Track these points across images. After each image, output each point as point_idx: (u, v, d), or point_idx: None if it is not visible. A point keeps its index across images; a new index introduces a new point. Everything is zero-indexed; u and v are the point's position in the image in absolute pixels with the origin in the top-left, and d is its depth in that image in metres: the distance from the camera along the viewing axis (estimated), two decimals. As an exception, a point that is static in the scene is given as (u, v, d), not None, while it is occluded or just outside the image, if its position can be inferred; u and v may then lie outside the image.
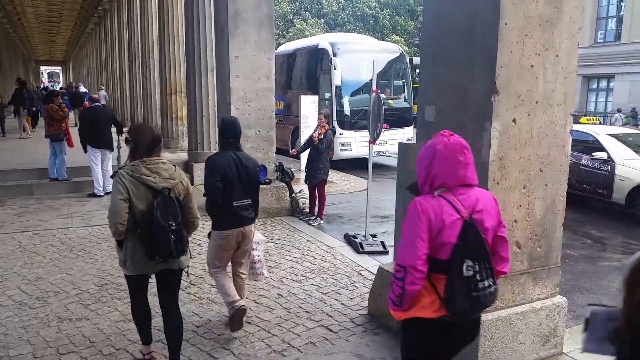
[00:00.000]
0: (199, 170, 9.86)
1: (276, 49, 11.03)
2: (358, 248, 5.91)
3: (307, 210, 7.59)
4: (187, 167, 10.13)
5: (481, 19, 3.05)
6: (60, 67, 67.71)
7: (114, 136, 8.91)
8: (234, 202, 3.65)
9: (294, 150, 7.93)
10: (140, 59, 15.09)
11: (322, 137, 7.19)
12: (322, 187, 7.40)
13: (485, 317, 3.06)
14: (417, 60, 17.31)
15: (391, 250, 5.37)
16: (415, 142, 3.82)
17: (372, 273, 4.83)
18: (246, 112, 7.57)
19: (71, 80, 42.40)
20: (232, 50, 7.34)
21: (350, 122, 12.50)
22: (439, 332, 2.15)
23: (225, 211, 3.64)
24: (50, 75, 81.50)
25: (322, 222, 7.32)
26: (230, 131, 3.80)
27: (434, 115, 3.43)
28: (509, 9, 2.94)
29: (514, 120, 3.08)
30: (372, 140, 6.30)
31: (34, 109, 15.89)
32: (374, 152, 7.24)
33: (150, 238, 2.94)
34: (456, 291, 2.04)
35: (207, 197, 3.64)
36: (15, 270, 5.12)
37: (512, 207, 3.15)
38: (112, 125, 8.92)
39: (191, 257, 3.30)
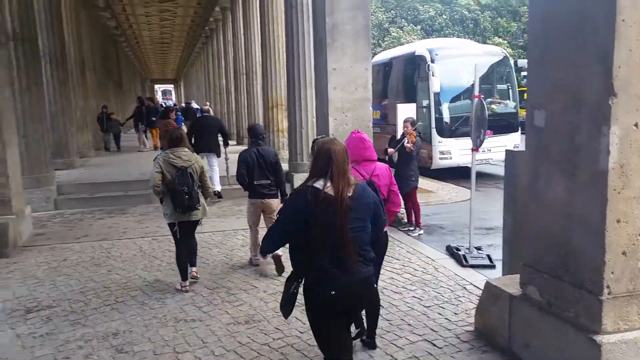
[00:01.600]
0: (299, 180, 10.17)
1: (372, 59, 11.05)
2: (462, 261, 5.70)
3: (405, 220, 7.49)
4: (287, 177, 10.47)
5: (593, 15, 2.84)
6: (172, 85, 73.42)
7: (222, 148, 9.66)
8: (255, 182, 5.34)
9: (392, 150, 7.54)
10: (244, 76, 15.90)
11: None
12: (414, 194, 7.30)
13: (607, 339, 2.82)
14: (522, 62, 16.47)
15: (498, 265, 5.12)
16: (523, 148, 3.62)
17: (478, 288, 4.65)
18: (343, 123, 7.67)
19: (186, 99, 45.75)
20: (330, 63, 7.49)
21: (450, 130, 12.16)
22: None
23: (251, 187, 5.41)
24: (164, 92, 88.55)
25: (421, 232, 7.19)
26: (252, 134, 5.66)
27: (544, 120, 3.24)
28: (627, 3, 2.71)
29: (636, 125, 2.82)
30: (475, 148, 6.08)
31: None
32: (477, 160, 6.98)
33: (173, 197, 4.73)
34: None
35: (237, 179, 5.45)
36: (137, 272, 5.62)
37: (637, 219, 2.88)
38: (220, 135, 9.73)
39: (205, 214, 5.10)
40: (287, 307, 2.80)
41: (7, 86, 7.04)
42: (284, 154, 11.98)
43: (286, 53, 10.41)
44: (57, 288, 5.14)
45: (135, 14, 23.55)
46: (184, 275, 5.02)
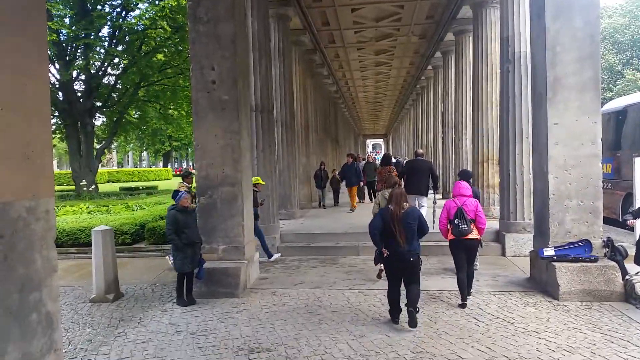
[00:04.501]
0: (512, 241, 9.47)
1: (601, 106, 9.76)
2: None
3: (646, 294, 6.27)
4: (499, 237, 9.84)
5: None
6: (382, 140, 77.09)
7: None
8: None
9: (632, 221, 6.55)
10: (453, 130, 15.81)
11: None
12: None
13: None
14: None
15: None
16: None
17: None
18: (566, 182, 6.98)
19: (394, 154, 47.81)
20: (551, 117, 6.97)
21: None
22: (456, 243, 6.52)
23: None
24: (374, 146, 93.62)
25: (669, 313, 5.93)
26: (463, 176, 7.78)
27: None
28: None
29: None
30: None
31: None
32: None
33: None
34: (453, 227, 6.44)
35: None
36: (345, 325, 5.82)
37: None
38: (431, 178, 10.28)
39: None
40: (376, 261, 6.38)
41: (249, 150, 8.30)
42: (494, 211, 11.36)
43: (500, 107, 10.05)
44: (276, 332, 5.65)
45: (353, 78, 25.71)
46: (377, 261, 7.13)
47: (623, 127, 13.04)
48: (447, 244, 6.78)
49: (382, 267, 6.95)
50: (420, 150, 11.35)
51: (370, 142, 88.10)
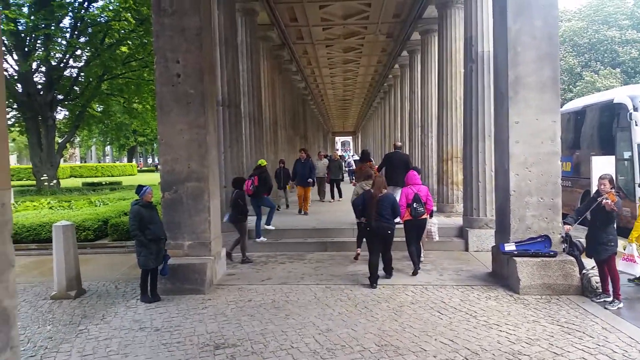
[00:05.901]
0: (474, 236, 9.69)
1: (561, 107, 10.07)
2: (676, 346, 4.80)
3: (600, 290, 6.54)
4: (462, 233, 10.06)
5: None
6: (351, 137, 77.54)
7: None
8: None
9: (568, 227, 6.77)
10: (419, 128, 16.03)
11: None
12: (612, 261, 6.32)
13: None
14: None
15: None
16: None
17: (699, 383, 3.80)
18: (527, 179, 7.19)
19: (365, 148, 47.95)
20: (512, 116, 7.17)
21: (659, 186, 10.50)
22: (412, 222, 8.00)
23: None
24: (343, 144, 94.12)
25: (621, 305, 6.19)
26: (414, 169, 9.12)
27: None
28: None
29: None
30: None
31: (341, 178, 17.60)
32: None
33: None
34: (412, 210, 7.91)
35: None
36: (311, 319, 5.85)
37: None
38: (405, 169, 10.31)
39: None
40: (360, 237, 7.88)
41: (216, 145, 8.21)
42: (458, 207, 11.59)
43: (464, 105, 10.27)
44: (242, 327, 5.63)
45: (321, 75, 25.73)
46: (359, 244, 7.90)
47: (582, 127, 13.50)
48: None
49: (358, 252, 7.97)
50: (399, 143, 11.67)
51: (339, 140, 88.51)
